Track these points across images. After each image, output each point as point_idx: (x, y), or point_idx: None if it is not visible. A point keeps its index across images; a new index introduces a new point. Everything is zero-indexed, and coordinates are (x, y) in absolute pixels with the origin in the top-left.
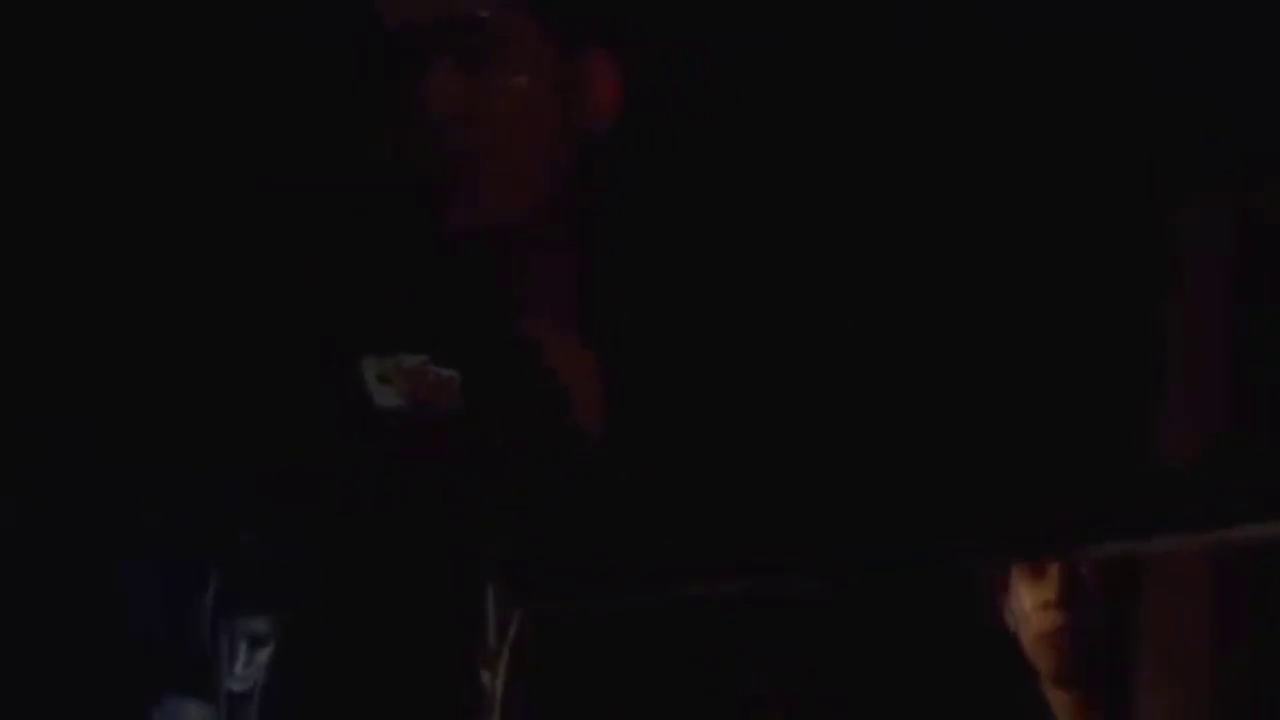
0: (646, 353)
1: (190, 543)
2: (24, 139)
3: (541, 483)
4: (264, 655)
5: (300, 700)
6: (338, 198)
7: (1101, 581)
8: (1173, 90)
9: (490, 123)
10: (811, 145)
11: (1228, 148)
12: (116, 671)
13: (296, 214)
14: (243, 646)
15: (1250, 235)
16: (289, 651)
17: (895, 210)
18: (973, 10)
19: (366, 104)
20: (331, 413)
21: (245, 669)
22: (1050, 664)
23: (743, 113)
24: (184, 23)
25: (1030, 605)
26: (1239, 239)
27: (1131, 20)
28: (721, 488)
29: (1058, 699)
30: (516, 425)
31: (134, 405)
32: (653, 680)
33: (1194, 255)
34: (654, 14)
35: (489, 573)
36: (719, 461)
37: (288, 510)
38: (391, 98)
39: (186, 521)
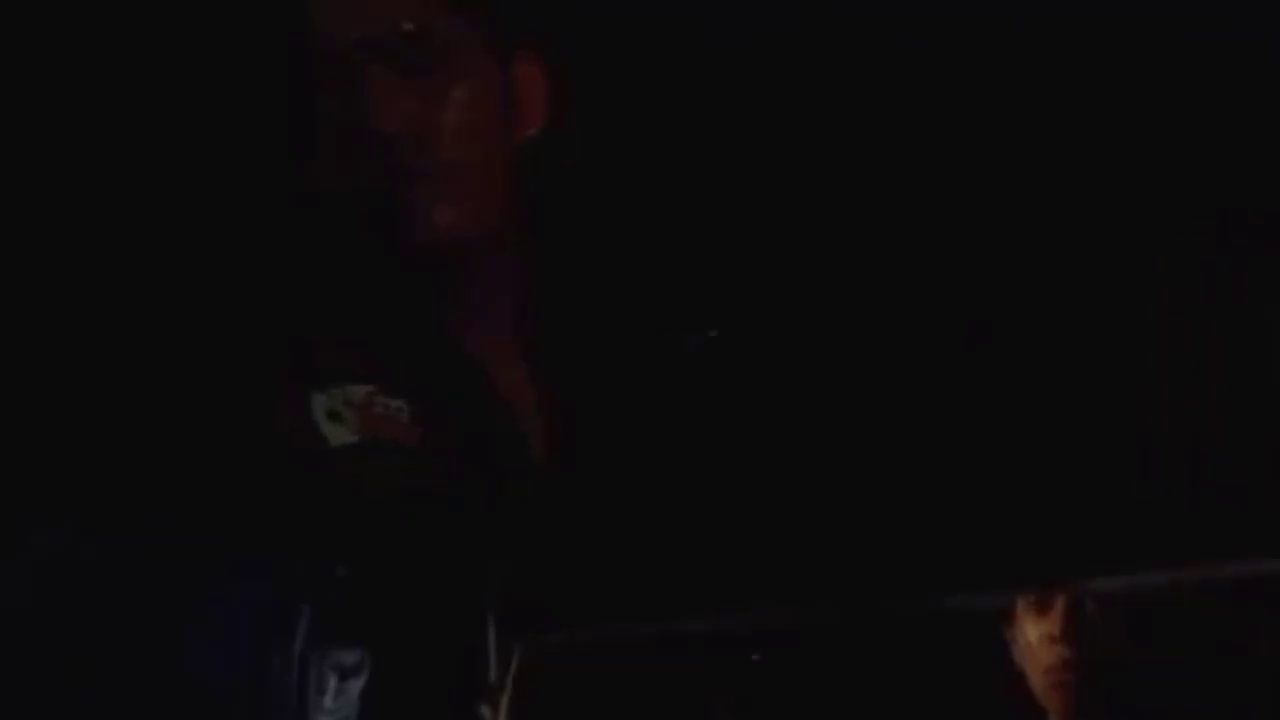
0: (591, 370)
1: (283, 576)
2: None
3: (510, 510)
4: (355, 687)
5: None
6: (269, 221)
7: (1108, 618)
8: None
9: (441, 138)
10: (762, 155)
11: None
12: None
13: (226, 239)
14: (332, 679)
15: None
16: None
17: (878, 223)
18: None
19: (298, 123)
20: (287, 452)
21: (335, 701)
22: (1056, 701)
23: (691, 120)
24: (110, 34)
25: (1035, 638)
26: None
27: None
28: (698, 518)
29: None
30: (471, 451)
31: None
32: (654, 714)
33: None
34: (593, 19)
35: (489, 606)
36: (682, 487)
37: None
38: (329, 116)
39: (278, 555)
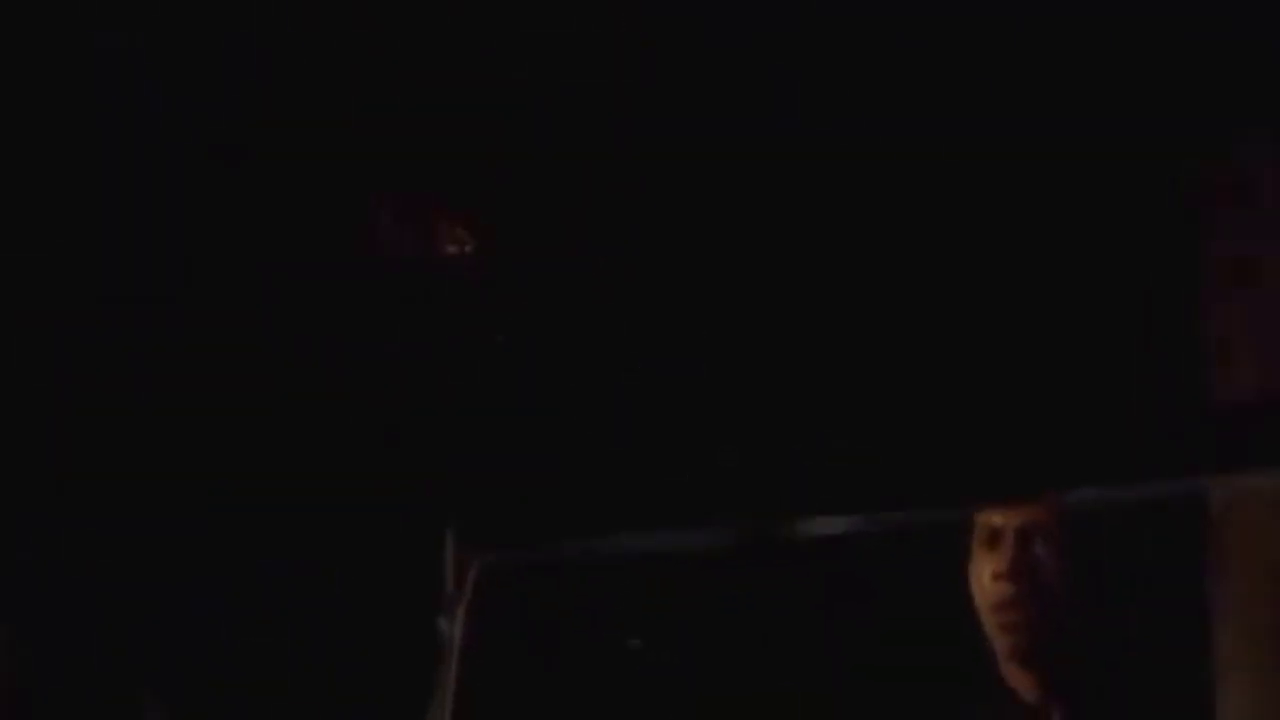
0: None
1: None
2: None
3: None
4: None
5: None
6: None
7: (1060, 561)
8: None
9: None
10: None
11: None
12: None
13: None
14: None
15: None
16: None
17: (898, 191)
18: None
19: None
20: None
21: None
22: (1005, 643)
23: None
24: None
25: (986, 576)
26: None
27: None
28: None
29: (1020, 680)
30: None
31: None
32: (612, 626)
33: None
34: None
35: (447, 520)
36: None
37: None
38: None
39: None
